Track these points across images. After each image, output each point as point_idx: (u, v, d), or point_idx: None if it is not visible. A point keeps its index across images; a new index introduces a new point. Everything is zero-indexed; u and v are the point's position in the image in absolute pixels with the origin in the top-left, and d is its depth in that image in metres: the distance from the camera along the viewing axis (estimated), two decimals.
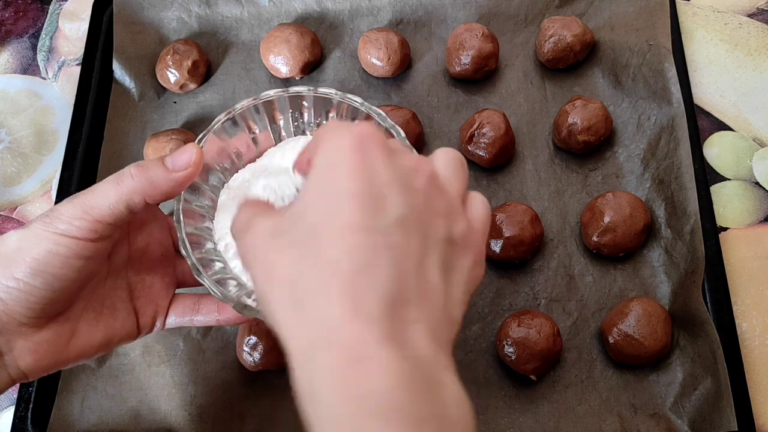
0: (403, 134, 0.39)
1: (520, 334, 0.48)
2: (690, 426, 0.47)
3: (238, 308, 0.36)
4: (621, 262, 0.53)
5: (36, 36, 0.70)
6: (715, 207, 0.54)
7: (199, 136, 0.40)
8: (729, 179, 0.58)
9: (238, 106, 0.41)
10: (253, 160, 0.43)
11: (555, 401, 0.49)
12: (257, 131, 0.43)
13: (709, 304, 0.50)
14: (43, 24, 0.70)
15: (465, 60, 0.58)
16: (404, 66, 0.60)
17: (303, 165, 0.35)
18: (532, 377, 0.49)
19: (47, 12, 0.71)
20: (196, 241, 0.38)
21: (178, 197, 0.38)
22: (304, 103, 0.42)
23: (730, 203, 0.57)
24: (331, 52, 0.63)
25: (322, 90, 0.41)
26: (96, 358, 0.52)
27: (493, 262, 0.54)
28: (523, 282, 0.53)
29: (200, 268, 0.37)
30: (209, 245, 0.39)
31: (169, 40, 0.64)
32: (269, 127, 0.43)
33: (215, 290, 0.37)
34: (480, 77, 0.60)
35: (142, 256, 0.40)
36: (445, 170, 0.32)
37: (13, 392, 0.54)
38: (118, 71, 0.62)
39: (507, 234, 0.51)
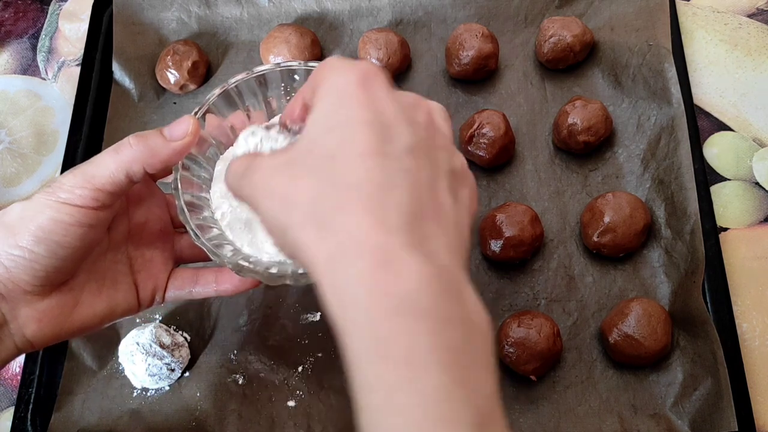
0: None
1: (520, 334, 0.48)
2: (690, 426, 0.47)
3: (236, 269, 0.38)
4: (621, 263, 0.53)
5: (36, 36, 0.70)
6: (715, 207, 0.54)
7: (195, 110, 0.41)
8: (729, 179, 0.58)
9: (232, 80, 0.42)
10: None
11: (555, 402, 0.49)
12: (252, 108, 0.44)
13: (709, 304, 0.50)
14: (42, 24, 0.70)
15: (465, 60, 0.58)
16: (404, 66, 0.60)
17: (295, 112, 0.36)
18: (532, 378, 0.49)
19: (47, 12, 0.71)
20: (193, 209, 0.40)
21: (176, 167, 0.39)
22: (296, 77, 0.43)
23: (730, 203, 0.57)
24: (331, 53, 0.63)
25: (311, 63, 0.42)
26: (96, 360, 0.53)
27: (493, 262, 0.54)
28: (523, 282, 0.53)
29: (198, 233, 0.38)
30: (207, 213, 0.41)
31: (168, 40, 0.64)
32: (263, 104, 0.44)
33: (212, 252, 0.38)
34: (480, 77, 0.60)
35: (141, 231, 0.42)
36: (437, 115, 0.33)
37: (13, 392, 0.54)
38: (118, 72, 0.62)
39: (507, 234, 0.51)
